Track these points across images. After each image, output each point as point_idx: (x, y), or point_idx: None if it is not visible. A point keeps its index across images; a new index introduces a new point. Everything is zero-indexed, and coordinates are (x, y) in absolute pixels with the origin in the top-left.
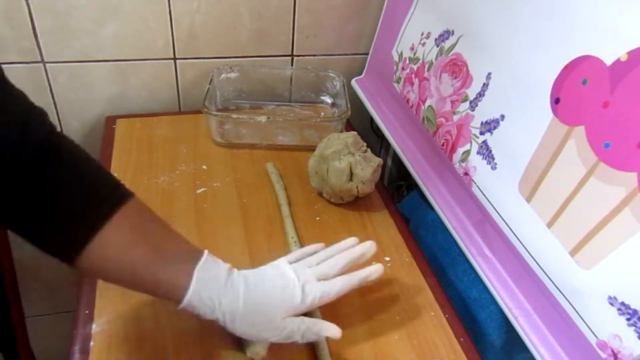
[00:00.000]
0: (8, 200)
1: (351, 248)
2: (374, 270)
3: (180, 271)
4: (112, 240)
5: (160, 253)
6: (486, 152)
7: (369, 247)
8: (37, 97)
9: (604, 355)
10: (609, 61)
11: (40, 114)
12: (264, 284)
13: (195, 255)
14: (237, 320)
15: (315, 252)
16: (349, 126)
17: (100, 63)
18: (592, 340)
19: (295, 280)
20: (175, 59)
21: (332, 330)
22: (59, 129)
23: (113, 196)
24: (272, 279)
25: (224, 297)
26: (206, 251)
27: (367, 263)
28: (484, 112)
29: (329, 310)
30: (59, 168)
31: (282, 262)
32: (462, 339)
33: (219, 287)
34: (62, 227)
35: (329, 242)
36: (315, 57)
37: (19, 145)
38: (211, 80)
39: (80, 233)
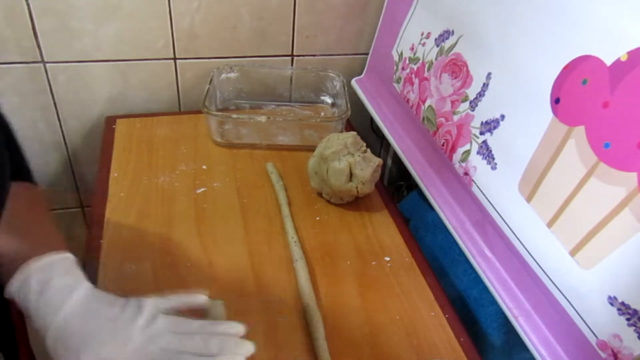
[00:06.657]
0: None
1: None
2: None
3: (16, 260)
4: None
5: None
6: (486, 152)
7: None
8: (37, 97)
9: (604, 355)
10: (609, 61)
11: None
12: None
13: (41, 254)
14: (47, 337)
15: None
16: (349, 126)
17: (100, 63)
18: (592, 340)
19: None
20: (175, 59)
21: None
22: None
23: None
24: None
25: (43, 304)
26: (60, 256)
27: None
28: (484, 112)
29: (329, 310)
30: None
31: (148, 305)
32: (462, 339)
33: (43, 289)
34: None
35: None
36: (315, 57)
37: None
38: (211, 80)
39: None
